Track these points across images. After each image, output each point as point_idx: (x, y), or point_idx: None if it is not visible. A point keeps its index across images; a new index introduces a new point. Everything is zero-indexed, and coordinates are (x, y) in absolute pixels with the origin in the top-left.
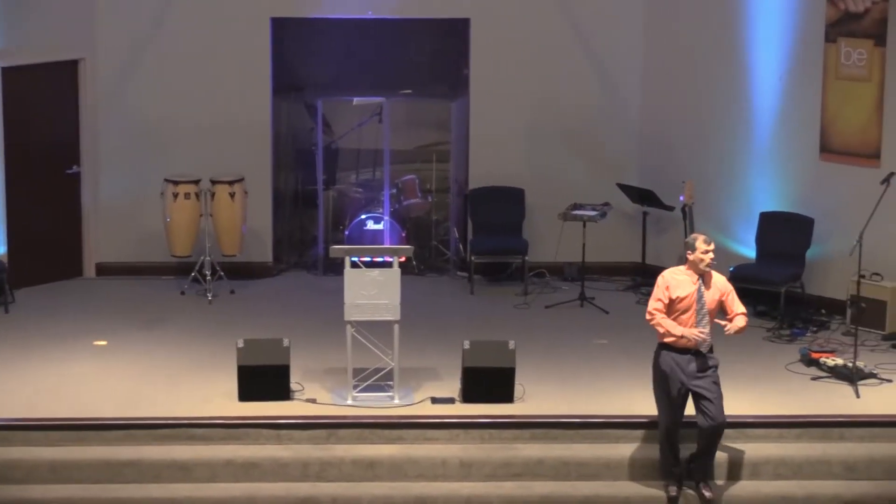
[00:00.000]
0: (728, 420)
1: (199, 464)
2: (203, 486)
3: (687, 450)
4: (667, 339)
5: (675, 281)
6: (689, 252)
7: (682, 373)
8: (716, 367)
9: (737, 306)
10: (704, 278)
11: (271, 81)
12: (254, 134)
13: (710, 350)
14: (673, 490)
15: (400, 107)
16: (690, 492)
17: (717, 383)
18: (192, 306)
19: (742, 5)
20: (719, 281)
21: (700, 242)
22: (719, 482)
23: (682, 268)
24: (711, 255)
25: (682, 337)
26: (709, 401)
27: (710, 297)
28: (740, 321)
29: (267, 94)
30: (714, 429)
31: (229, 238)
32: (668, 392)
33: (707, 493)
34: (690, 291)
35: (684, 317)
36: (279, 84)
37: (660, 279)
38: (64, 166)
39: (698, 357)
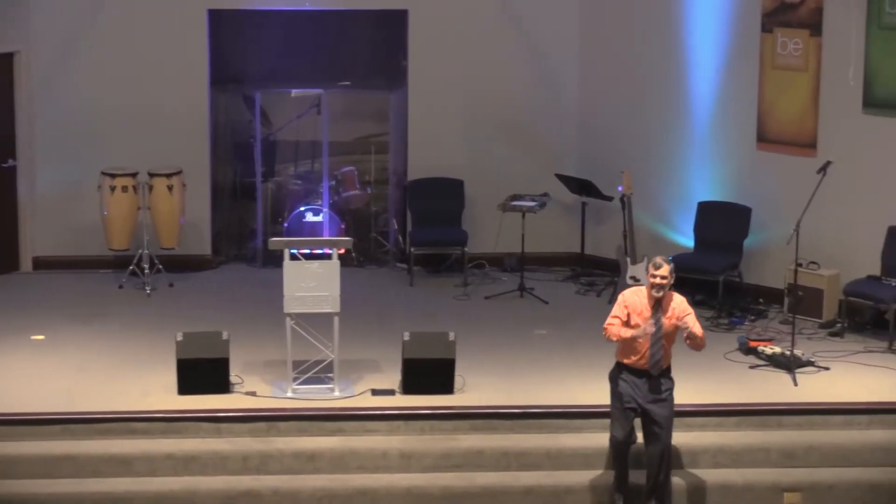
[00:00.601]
0: None
1: (138, 458)
2: (142, 480)
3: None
4: (623, 359)
5: (633, 302)
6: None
7: (638, 393)
8: (670, 390)
9: (695, 329)
10: (663, 301)
11: (209, 74)
12: (192, 126)
13: (666, 373)
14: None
15: (338, 98)
16: None
17: (670, 409)
18: (131, 300)
19: None
20: (679, 304)
21: (651, 266)
22: None
23: (643, 289)
24: (659, 279)
25: (634, 338)
26: (659, 426)
27: (668, 323)
28: (697, 329)
29: (204, 87)
30: (659, 453)
31: (167, 231)
32: (622, 409)
33: None
34: (646, 315)
35: (640, 340)
36: (217, 76)
37: (620, 297)
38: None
39: (651, 379)
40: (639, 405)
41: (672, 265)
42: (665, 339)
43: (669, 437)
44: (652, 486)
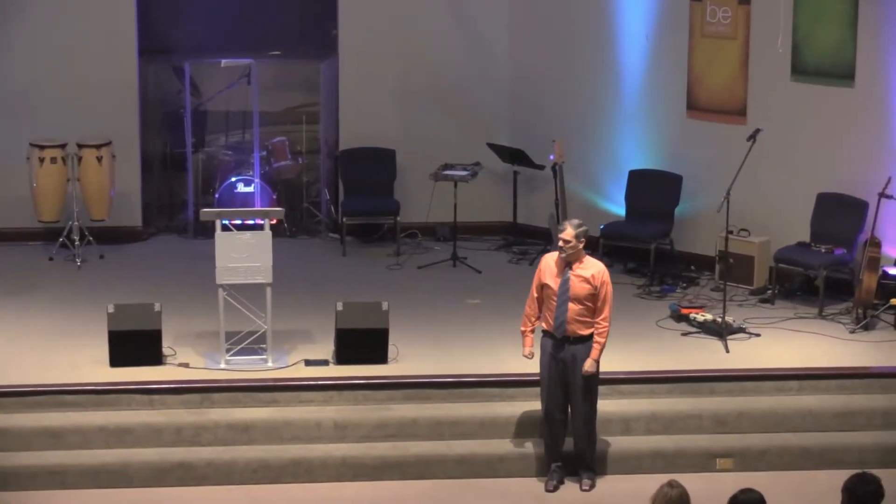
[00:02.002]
0: (600, 377)
1: (70, 431)
2: (75, 453)
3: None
4: (543, 325)
5: (548, 264)
6: None
7: (553, 361)
8: (578, 357)
9: (600, 309)
10: (575, 264)
11: (137, 44)
12: (121, 97)
13: (579, 340)
14: (550, 485)
15: (268, 68)
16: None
17: (583, 377)
18: (61, 272)
19: None
20: (596, 270)
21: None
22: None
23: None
24: (562, 241)
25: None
26: (575, 394)
27: (578, 283)
28: (588, 364)
29: (133, 57)
30: (579, 422)
31: (97, 202)
32: (545, 378)
33: (582, 487)
34: (556, 277)
35: (552, 302)
36: (146, 46)
37: (539, 262)
38: None
39: (560, 344)
40: (556, 372)
41: (578, 228)
42: (575, 302)
43: (587, 405)
44: (575, 454)
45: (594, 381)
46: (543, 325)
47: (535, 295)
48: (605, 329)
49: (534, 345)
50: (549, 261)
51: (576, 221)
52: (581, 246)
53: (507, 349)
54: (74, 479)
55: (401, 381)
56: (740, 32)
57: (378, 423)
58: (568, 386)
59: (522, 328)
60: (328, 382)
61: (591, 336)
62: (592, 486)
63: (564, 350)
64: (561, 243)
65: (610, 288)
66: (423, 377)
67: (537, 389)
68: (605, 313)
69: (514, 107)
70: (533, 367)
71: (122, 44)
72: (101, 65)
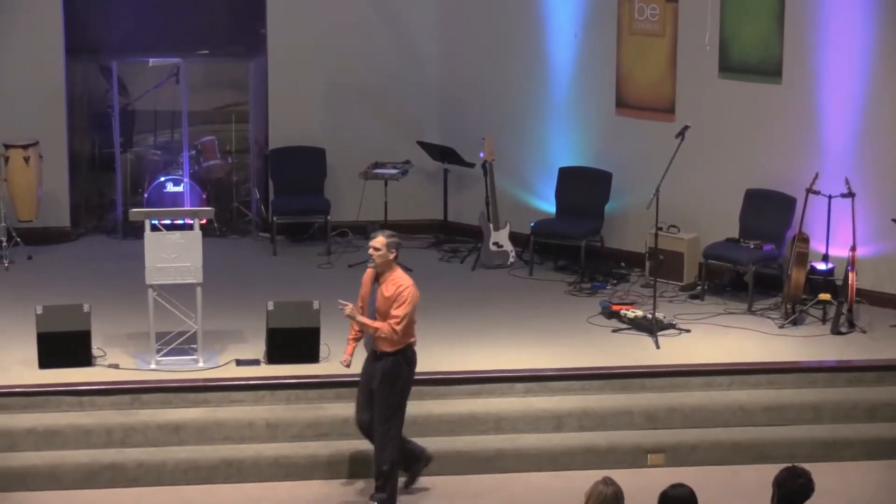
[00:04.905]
0: (530, 374)
1: None
2: (4, 455)
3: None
4: None
5: (366, 278)
6: None
7: (364, 370)
8: (384, 372)
9: (391, 315)
10: (383, 276)
11: (64, 43)
12: (47, 97)
13: (387, 355)
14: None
15: (197, 67)
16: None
17: (381, 392)
18: None
19: None
20: (398, 282)
21: None
22: (526, 435)
23: None
24: (372, 249)
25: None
26: (375, 409)
27: (381, 300)
28: (369, 321)
29: (60, 56)
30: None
31: (25, 203)
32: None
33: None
34: (368, 290)
35: (363, 314)
36: (72, 45)
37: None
38: None
39: (370, 358)
40: (363, 383)
41: (391, 238)
42: (380, 318)
43: (384, 414)
44: (375, 473)
45: (391, 402)
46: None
47: (360, 304)
48: (389, 329)
49: (353, 354)
50: (367, 273)
51: (388, 232)
52: (392, 257)
53: (438, 348)
54: (2, 481)
55: (333, 380)
56: (668, 30)
57: (310, 422)
58: (373, 401)
59: (349, 335)
60: (259, 382)
61: (396, 352)
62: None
63: (374, 365)
64: (371, 251)
65: (409, 293)
66: (355, 376)
67: (469, 387)
68: (399, 313)
69: (444, 105)
70: (464, 364)
71: (49, 42)
72: (27, 64)
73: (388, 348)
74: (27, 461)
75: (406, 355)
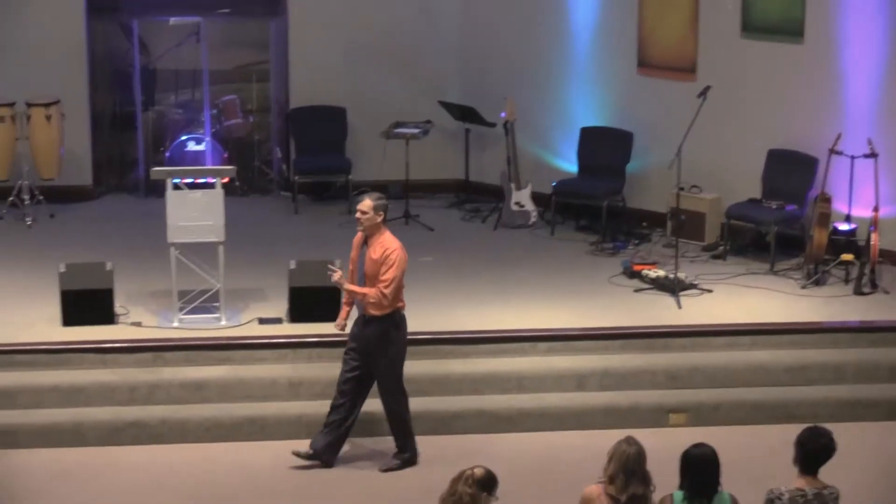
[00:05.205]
0: (553, 333)
1: (22, 390)
2: (28, 412)
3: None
4: None
5: (356, 241)
6: None
7: (353, 334)
8: (372, 337)
9: (382, 273)
10: (371, 239)
11: (85, 1)
12: (68, 55)
13: (376, 319)
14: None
15: (218, 26)
16: None
17: (377, 355)
18: (11, 231)
19: None
20: (386, 245)
21: None
22: (549, 394)
23: None
24: (359, 213)
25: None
26: (377, 372)
27: (369, 263)
28: (357, 288)
29: (81, 15)
30: (382, 400)
31: (47, 161)
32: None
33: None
34: (357, 253)
35: (354, 278)
36: (93, 4)
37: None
38: None
39: (361, 321)
40: (352, 346)
41: (377, 201)
42: (368, 281)
43: (385, 384)
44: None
45: (389, 371)
46: None
47: (351, 268)
48: (378, 293)
49: (348, 318)
50: (359, 236)
51: (376, 194)
52: (379, 220)
53: (459, 306)
54: (27, 438)
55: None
56: None
57: (332, 380)
58: (369, 366)
59: (343, 299)
60: (282, 340)
61: (384, 317)
62: (387, 468)
63: (363, 331)
64: (358, 214)
65: (396, 256)
66: None
67: (492, 346)
68: (387, 276)
69: (466, 64)
70: (485, 323)
71: (70, 1)
72: (48, 23)
73: (376, 312)
74: (51, 418)
75: (394, 320)
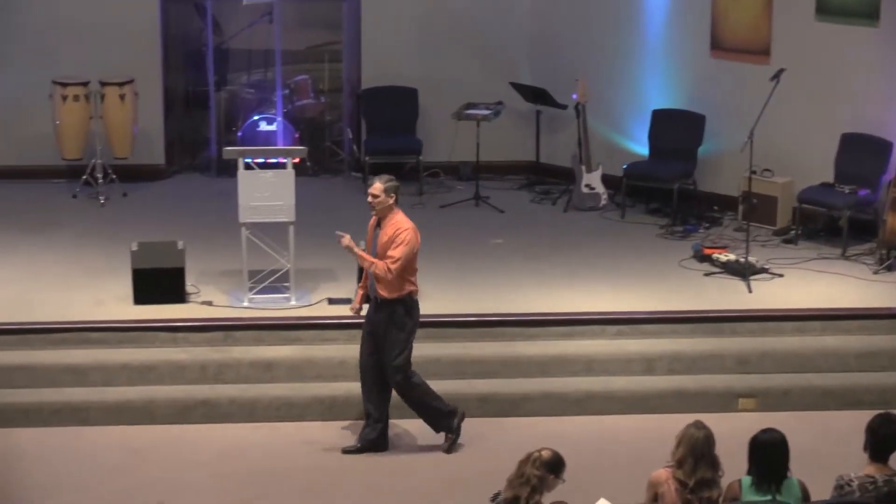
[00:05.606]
0: (622, 316)
1: (94, 368)
2: (99, 390)
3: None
4: None
5: (371, 224)
6: None
7: (368, 317)
8: (381, 322)
9: (387, 255)
10: (384, 221)
11: None
12: (143, 34)
13: (387, 301)
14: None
15: (291, 6)
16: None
17: (385, 338)
18: (84, 209)
19: None
20: (398, 225)
21: None
22: (617, 377)
23: None
24: (370, 196)
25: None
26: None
27: (381, 245)
28: (366, 255)
29: None
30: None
31: (120, 140)
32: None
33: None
34: (371, 235)
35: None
36: None
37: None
38: None
39: (373, 304)
40: (366, 331)
41: (388, 183)
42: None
43: (391, 371)
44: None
45: (396, 344)
46: None
47: (367, 251)
48: (384, 267)
49: (363, 301)
50: (373, 220)
51: (385, 177)
52: (391, 202)
53: (529, 288)
54: (98, 415)
55: (424, 320)
56: None
57: None
58: (379, 348)
59: (359, 284)
60: (352, 321)
61: (396, 300)
62: (445, 448)
63: (375, 313)
64: (369, 198)
65: (407, 236)
66: (446, 316)
67: (561, 329)
68: (395, 254)
69: (537, 46)
70: (554, 306)
71: None
72: (124, 3)
73: (385, 293)
74: (122, 396)
75: (406, 304)
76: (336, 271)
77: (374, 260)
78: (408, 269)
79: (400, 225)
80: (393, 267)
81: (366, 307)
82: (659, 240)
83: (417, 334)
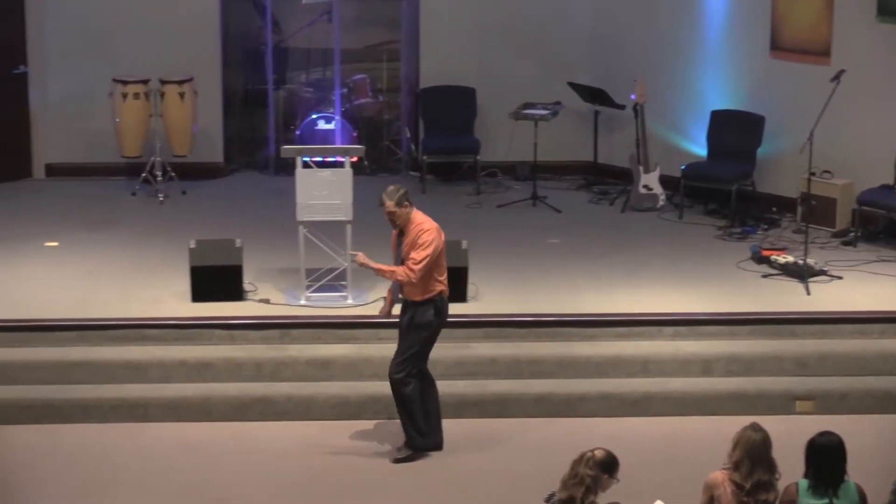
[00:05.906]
0: (679, 317)
1: (152, 364)
2: (156, 386)
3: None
4: None
5: (393, 238)
6: None
7: (400, 320)
8: (408, 325)
9: (410, 257)
10: (406, 228)
11: None
12: (203, 33)
13: (414, 304)
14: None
15: (350, 5)
16: None
17: (407, 340)
18: (144, 207)
19: None
20: (420, 226)
21: None
22: (674, 378)
23: None
24: (387, 216)
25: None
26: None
27: (405, 246)
28: (383, 266)
29: None
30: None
31: (180, 138)
32: None
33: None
34: (394, 242)
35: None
36: None
37: None
38: (10, 66)
39: (403, 306)
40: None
41: (396, 195)
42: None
43: (395, 362)
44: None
45: (412, 340)
46: None
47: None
48: (405, 271)
49: (392, 305)
50: (395, 232)
51: (391, 189)
52: (407, 210)
53: (586, 289)
54: (155, 412)
55: (480, 320)
56: None
57: (457, 361)
58: None
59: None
60: None
61: (425, 302)
62: (392, 458)
63: (404, 315)
64: (387, 217)
65: (429, 237)
66: (503, 316)
67: (618, 330)
68: (417, 256)
69: (596, 46)
70: (611, 307)
71: None
72: (183, 1)
73: (415, 296)
74: (179, 392)
75: (436, 305)
76: None
77: (393, 268)
78: (435, 269)
79: (422, 227)
80: (415, 268)
81: (397, 308)
82: (717, 241)
83: (471, 334)
